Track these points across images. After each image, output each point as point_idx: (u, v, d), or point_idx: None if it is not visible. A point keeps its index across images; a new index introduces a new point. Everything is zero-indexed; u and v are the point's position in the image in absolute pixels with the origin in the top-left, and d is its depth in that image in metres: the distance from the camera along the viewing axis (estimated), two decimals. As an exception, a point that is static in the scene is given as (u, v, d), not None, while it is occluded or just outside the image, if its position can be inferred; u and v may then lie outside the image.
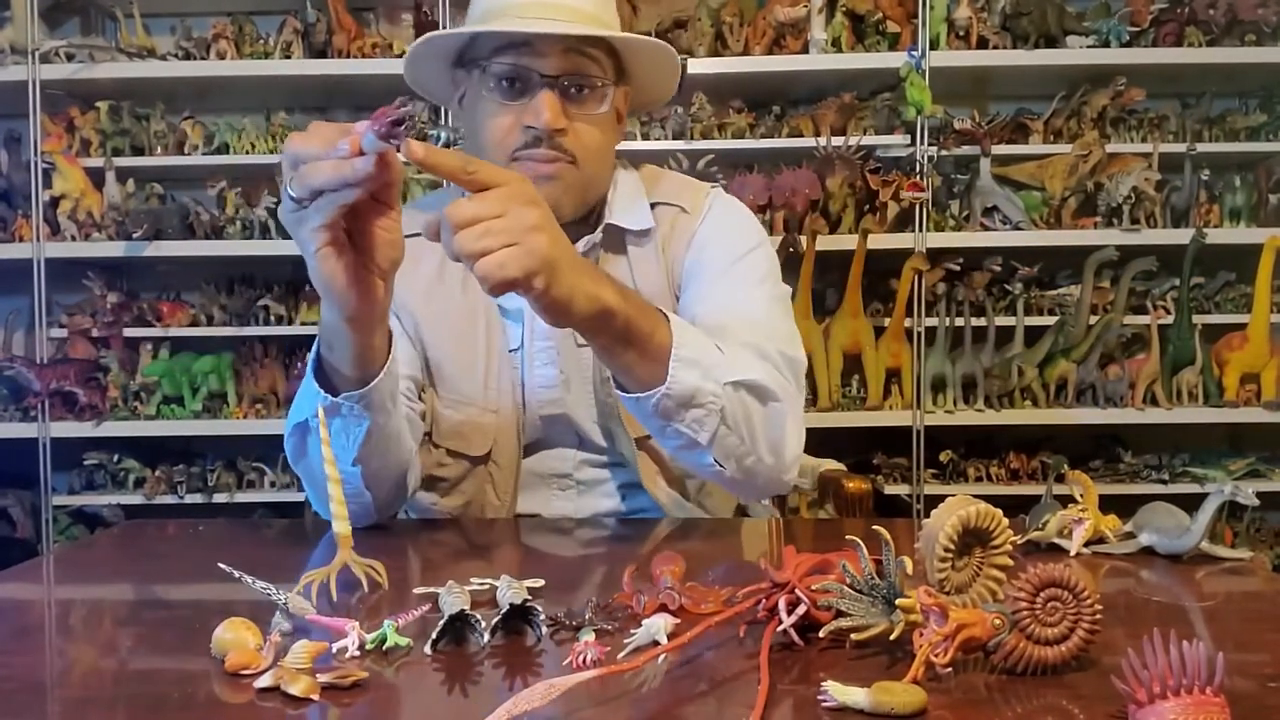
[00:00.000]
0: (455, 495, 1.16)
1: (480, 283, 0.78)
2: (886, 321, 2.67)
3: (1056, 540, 0.91)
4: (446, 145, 2.59)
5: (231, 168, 2.72)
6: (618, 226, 1.15)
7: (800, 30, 2.64)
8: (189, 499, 2.69)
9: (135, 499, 2.69)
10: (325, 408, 0.91)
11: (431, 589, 0.74)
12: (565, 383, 1.15)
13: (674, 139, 2.64)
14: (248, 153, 2.72)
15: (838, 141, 2.62)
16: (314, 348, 0.93)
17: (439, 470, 1.16)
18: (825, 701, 0.55)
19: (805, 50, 2.66)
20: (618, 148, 1.19)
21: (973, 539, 0.69)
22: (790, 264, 2.51)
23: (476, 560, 0.96)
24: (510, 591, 0.70)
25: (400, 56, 2.68)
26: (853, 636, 0.64)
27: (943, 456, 2.70)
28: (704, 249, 1.16)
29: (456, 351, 1.16)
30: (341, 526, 0.78)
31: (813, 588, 0.66)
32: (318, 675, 0.59)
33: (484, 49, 1.08)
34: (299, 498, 2.67)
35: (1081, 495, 0.92)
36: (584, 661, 0.60)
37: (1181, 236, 2.59)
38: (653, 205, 1.18)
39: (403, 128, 0.74)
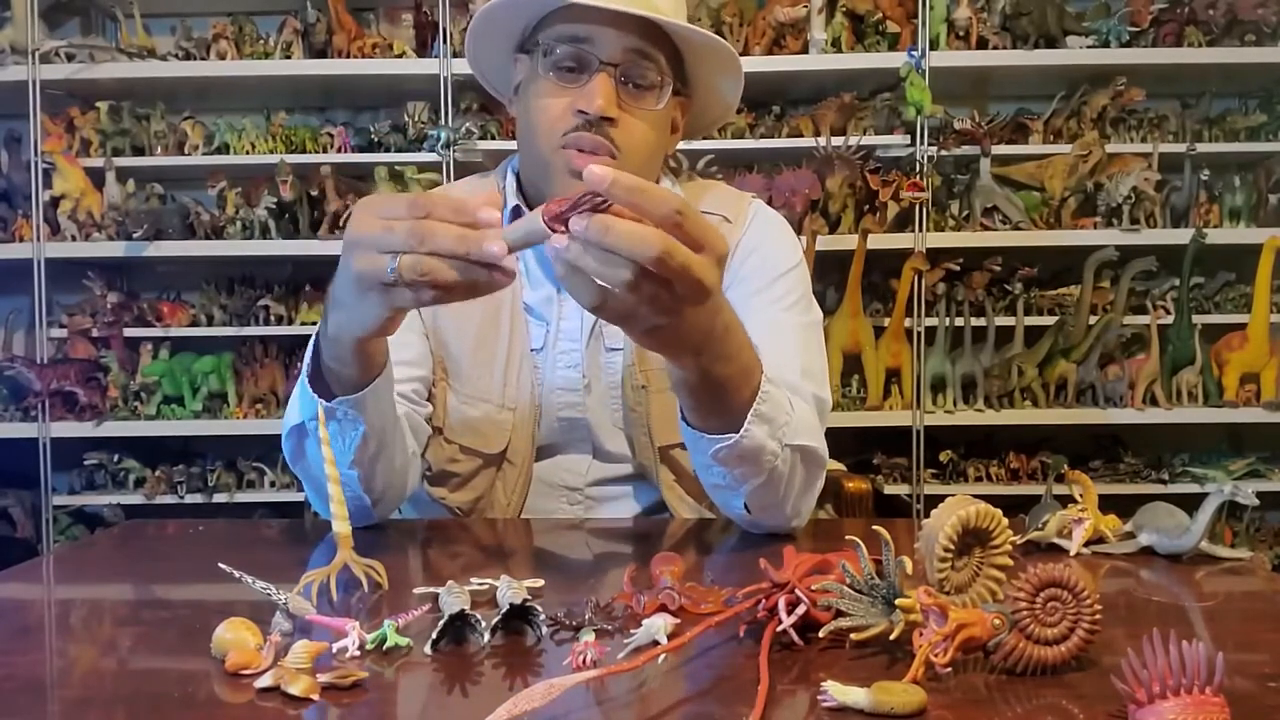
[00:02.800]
0: (466, 491, 1.15)
1: (577, 297, 0.71)
2: (886, 321, 2.67)
3: (1056, 540, 0.91)
4: (447, 144, 2.60)
5: (231, 168, 2.72)
6: None
7: (800, 30, 2.64)
8: (189, 499, 2.69)
9: (135, 499, 2.69)
10: (316, 414, 0.90)
11: (431, 589, 0.74)
12: (587, 386, 1.14)
13: (674, 139, 2.64)
14: (248, 153, 2.72)
15: (838, 141, 2.62)
16: (310, 351, 0.92)
17: (451, 466, 1.15)
18: (825, 701, 0.55)
19: (805, 50, 2.66)
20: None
21: (973, 539, 0.69)
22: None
23: (477, 560, 0.96)
24: (510, 591, 0.70)
25: (400, 56, 2.69)
26: (853, 636, 0.64)
27: (943, 456, 2.70)
28: (746, 260, 1.16)
29: (477, 346, 1.15)
30: (341, 526, 0.78)
31: (813, 588, 0.66)
32: (318, 675, 0.59)
33: (548, 31, 1.07)
34: (299, 498, 2.67)
35: (1081, 495, 0.92)
36: (584, 661, 0.60)
37: (1181, 236, 2.59)
38: None
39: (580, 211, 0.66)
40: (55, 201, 2.66)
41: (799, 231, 2.60)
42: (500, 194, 1.18)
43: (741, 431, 0.88)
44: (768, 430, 0.91)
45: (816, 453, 1.00)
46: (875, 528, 0.69)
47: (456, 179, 2.10)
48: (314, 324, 2.81)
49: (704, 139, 2.65)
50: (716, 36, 1.10)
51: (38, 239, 2.66)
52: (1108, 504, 0.93)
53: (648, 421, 1.13)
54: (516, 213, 1.15)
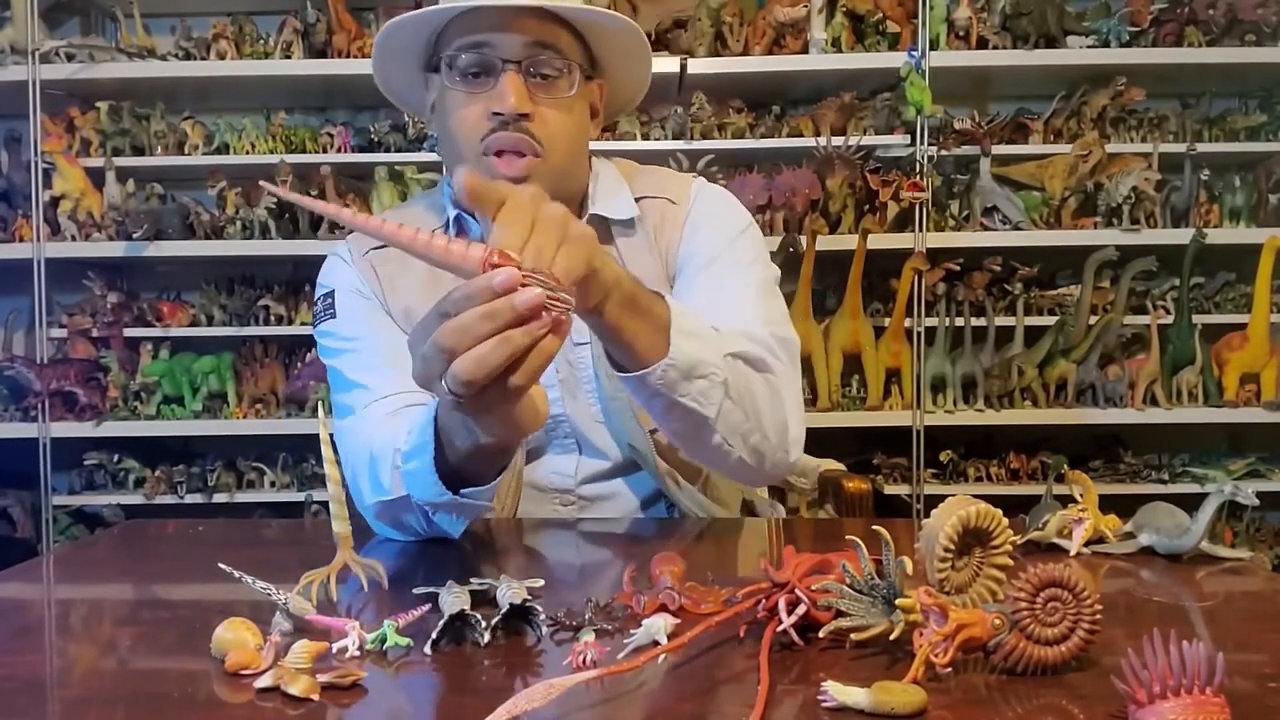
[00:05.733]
0: None
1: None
2: (886, 321, 2.67)
3: (1056, 540, 0.91)
4: (446, 145, 2.59)
5: (231, 168, 2.72)
6: (602, 217, 1.15)
7: (800, 30, 2.64)
8: (189, 499, 2.70)
9: (135, 499, 2.69)
10: (443, 503, 0.89)
11: (431, 589, 0.74)
12: (563, 383, 1.15)
13: (674, 139, 2.64)
14: (248, 153, 2.73)
15: (838, 141, 2.62)
16: (431, 437, 0.87)
17: None
18: (825, 701, 0.55)
19: (805, 50, 2.66)
20: (605, 147, 1.19)
21: (973, 539, 0.69)
22: (790, 264, 2.51)
23: (476, 560, 0.96)
24: (510, 591, 0.70)
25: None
26: (853, 636, 0.64)
27: (943, 456, 2.70)
28: (694, 236, 1.17)
29: None
30: (341, 526, 0.78)
31: (813, 588, 0.66)
32: (318, 675, 0.59)
33: (449, 44, 1.08)
34: (299, 498, 2.68)
35: (1081, 495, 0.92)
36: (584, 661, 0.60)
37: (1181, 236, 2.59)
38: (638, 199, 1.18)
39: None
40: (55, 201, 2.66)
41: (799, 231, 2.61)
42: (443, 207, 1.19)
43: (671, 348, 0.90)
44: (699, 344, 0.93)
45: (756, 356, 1.02)
46: (875, 528, 0.68)
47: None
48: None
49: (704, 139, 2.65)
50: (615, 14, 1.11)
51: (38, 239, 2.66)
52: (1108, 504, 0.93)
53: (631, 408, 1.12)
54: (459, 223, 1.16)
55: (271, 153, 2.70)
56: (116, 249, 2.66)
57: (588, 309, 0.85)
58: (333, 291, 1.16)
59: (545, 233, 0.70)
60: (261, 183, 0.86)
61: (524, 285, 0.65)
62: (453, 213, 1.17)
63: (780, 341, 1.08)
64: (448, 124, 1.09)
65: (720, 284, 1.11)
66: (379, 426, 1.02)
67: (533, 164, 1.06)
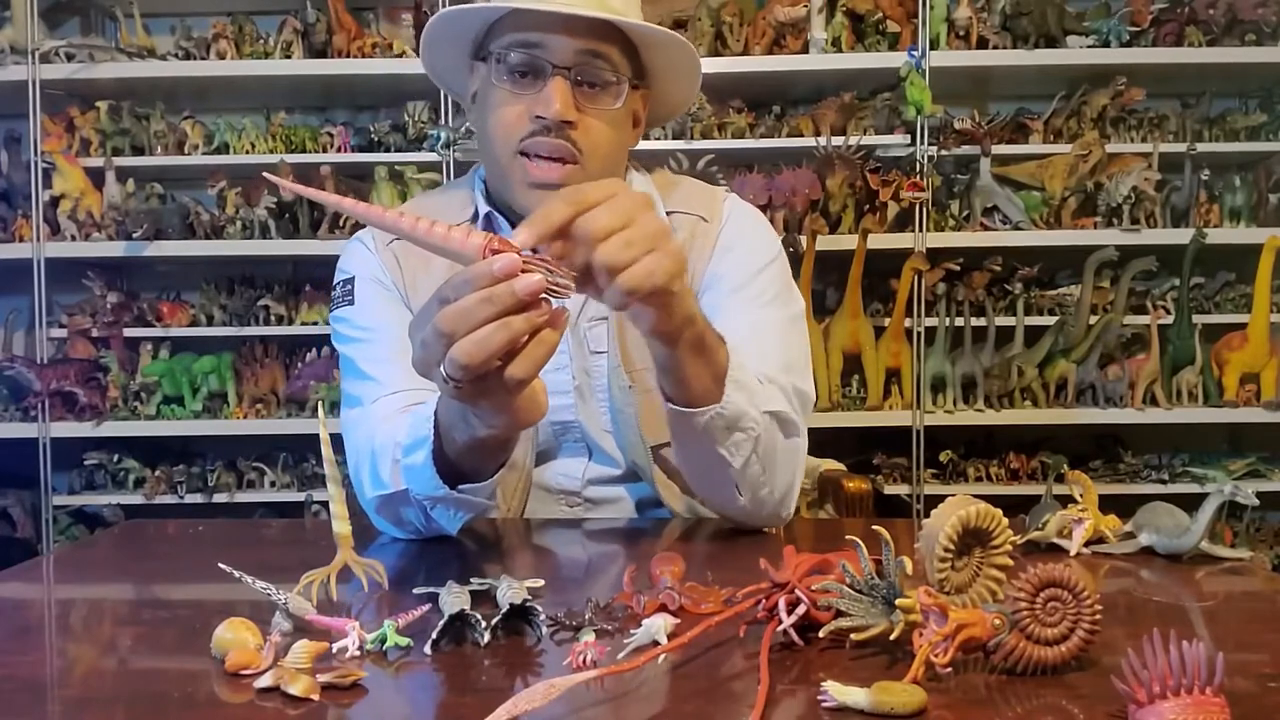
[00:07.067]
0: None
1: (621, 296, 0.74)
2: (886, 321, 2.67)
3: (1056, 540, 0.91)
4: (446, 145, 2.60)
5: (231, 168, 2.72)
6: None
7: (800, 30, 2.64)
8: (189, 499, 2.69)
9: (135, 499, 2.69)
10: (440, 497, 0.89)
11: (432, 589, 0.74)
12: (578, 389, 1.14)
13: (674, 139, 2.64)
14: (248, 153, 2.72)
15: (838, 141, 2.62)
16: (431, 431, 0.87)
17: None
18: (825, 701, 0.55)
19: (805, 50, 2.66)
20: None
21: (973, 539, 0.69)
22: (790, 264, 2.50)
23: (477, 560, 0.96)
24: (510, 591, 0.70)
25: (400, 56, 2.70)
26: (853, 636, 0.64)
27: (943, 456, 2.70)
28: (724, 259, 1.16)
29: None
30: (341, 526, 0.78)
31: (813, 588, 0.66)
32: (318, 675, 0.59)
33: (500, 39, 1.07)
34: (299, 498, 2.68)
35: (1081, 495, 0.92)
36: (584, 661, 0.60)
37: (1181, 236, 2.59)
38: (669, 213, 1.17)
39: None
40: (55, 201, 2.66)
41: (799, 231, 2.60)
42: (473, 201, 1.17)
43: (724, 397, 0.91)
44: (746, 397, 0.94)
45: (790, 419, 1.03)
46: (875, 528, 0.68)
47: (456, 178, 2.10)
48: (314, 324, 2.83)
49: (704, 139, 2.65)
50: (669, 31, 1.10)
51: (38, 239, 2.66)
52: (1108, 504, 0.93)
53: (637, 422, 1.12)
54: (489, 220, 1.15)
55: (271, 153, 2.70)
56: (116, 249, 2.66)
57: (656, 332, 0.85)
58: (353, 278, 1.15)
59: (641, 234, 0.73)
60: (265, 174, 0.86)
61: (524, 271, 0.65)
62: (484, 209, 1.15)
63: (800, 396, 1.08)
64: (487, 120, 1.09)
65: (743, 316, 1.09)
66: (384, 422, 1.02)
67: (571, 171, 1.05)
